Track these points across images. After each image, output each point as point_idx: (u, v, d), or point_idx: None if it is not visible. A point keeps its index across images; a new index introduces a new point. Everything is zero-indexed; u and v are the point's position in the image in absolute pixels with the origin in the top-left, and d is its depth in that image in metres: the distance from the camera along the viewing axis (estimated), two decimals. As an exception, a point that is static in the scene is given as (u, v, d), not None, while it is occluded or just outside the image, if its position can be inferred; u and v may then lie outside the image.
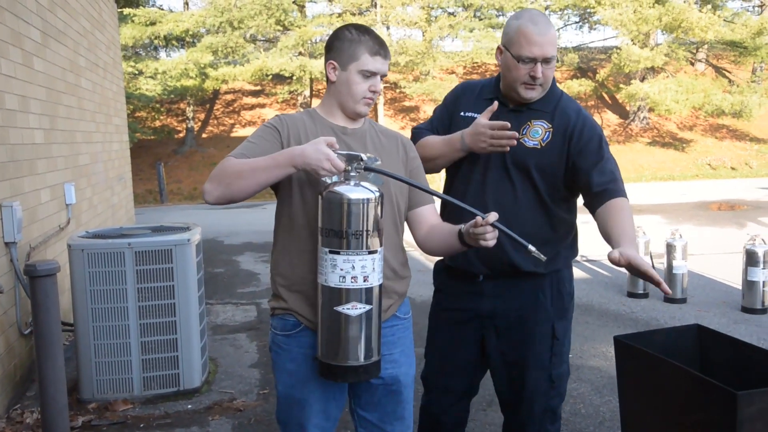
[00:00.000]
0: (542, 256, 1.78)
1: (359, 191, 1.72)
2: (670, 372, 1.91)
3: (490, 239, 1.77)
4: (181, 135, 22.74)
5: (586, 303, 5.83)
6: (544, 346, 2.32)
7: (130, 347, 3.69)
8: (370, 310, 1.76)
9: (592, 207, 2.18)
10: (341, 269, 1.72)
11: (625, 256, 1.83)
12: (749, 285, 5.41)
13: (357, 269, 1.72)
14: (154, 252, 3.68)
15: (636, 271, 1.85)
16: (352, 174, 1.74)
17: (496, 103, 2.20)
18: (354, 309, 1.74)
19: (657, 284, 1.83)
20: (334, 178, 1.76)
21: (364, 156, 1.75)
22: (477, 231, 1.76)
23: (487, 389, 2.75)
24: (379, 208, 1.75)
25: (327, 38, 2.02)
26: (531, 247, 1.77)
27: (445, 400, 2.46)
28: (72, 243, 3.66)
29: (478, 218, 1.76)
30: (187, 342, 3.79)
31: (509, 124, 2.12)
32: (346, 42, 1.93)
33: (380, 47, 1.93)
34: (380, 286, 1.79)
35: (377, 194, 1.74)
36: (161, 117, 23.19)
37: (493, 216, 1.74)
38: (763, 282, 5.35)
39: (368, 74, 1.92)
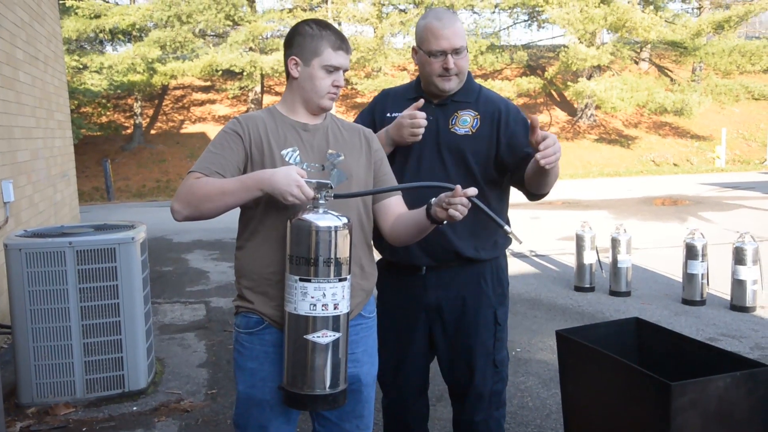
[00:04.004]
0: (519, 239, 1.84)
1: (328, 219, 1.72)
2: (609, 364, 1.96)
3: (461, 211, 1.76)
4: (128, 131, 22.22)
5: (534, 297, 5.94)
6: (488, 332, 2.39)
7: (71, 349, 3.59)
8: (338, 338, 1.75)
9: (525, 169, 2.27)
10: (312, 297, 1.70)
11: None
12: (689, 278, 5.59)
13: (328, 297, 1.71)
14: (96, 251, 3.59)
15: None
16: (320, 202, 1.74)
17: (421, 101, 2.30)
18: (324, 337, 1.72)
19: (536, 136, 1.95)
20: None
21: (333, 183, 1.76)
22: (454, 200, 1.75)
23: (435, 384, 2.77)
24: (348, 235, 1.75)
25: (285, 34, 2.01)
26: (507, 228, 1.81)
27: (404, 399, 2.50)
28: (9, 242, 3.54)
29: (458, 188, 1.74)
30: (132, 342, 3.70)
31: (420, 103, 2.27)
32: (307, 37, 1.91)
33: (342, 42, 1.93)
34: (348, 313, 1.79)
35: (345, 221, 1.75)
36: (108, 113, 22.59)
37: (472, 190, 1.75)
38: (702, 275, 5.54)
39: (331, 69, 1.92)
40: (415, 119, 2.24)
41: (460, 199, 1.74)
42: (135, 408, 3.63)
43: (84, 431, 3.37)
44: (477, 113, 2.34)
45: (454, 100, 2.35)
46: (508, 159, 2.30)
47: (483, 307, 2.38)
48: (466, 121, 2.33)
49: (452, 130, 2.32)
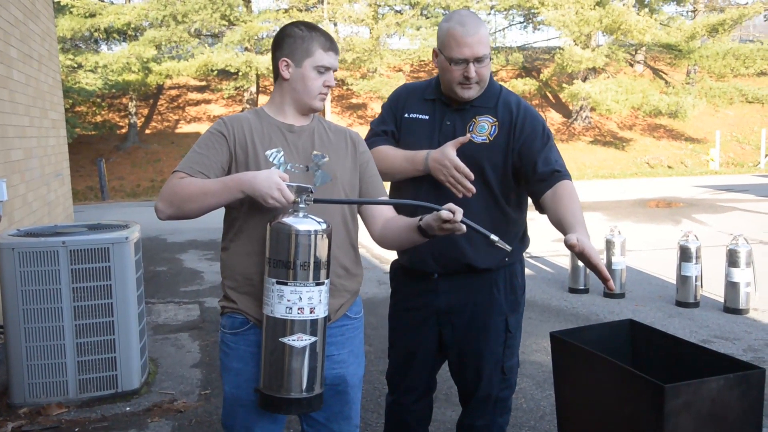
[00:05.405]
0: (507, 246, 1.82)
1: (307, 223, 1.71)
2: (602, 366, 1.96)
3: (459, 228, 1.79)
4: (123, 131, 22.16)
5: (529, 299, 5.86)
6: (498, 339, 2.37)
7: (64, 349, 3.58)
8: (315, 342, 1.75)
9: (538, 192, 2.23)
10: (288, 300, 1.70)
11: (581, 243, 1.88)
12: (683, 280, 5.60)
13: (304, 300, 1.71)
14: (90, 250, 3.57)
15: (587, 262, 1.90)
16: (301, 206, 1.74)
17: (468, 137, 2.22)
18: (299, 341, 1.72)
19: (604, 280, 1.88)
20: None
21: (314, 188, 1.76)
22: (454, 227, 1.78)
23: (437, 387, 2.77)
24: (326, 239, 1.75)
25: (274, 36, 2.01)
26: (493, 237, 1.80)
27: (408, 399, 2.49)
28: (2, 241, 3.52)
29: (443, 213, 1.76)
30: (125, 342, 3.69)
31: (473, 176, 2.16)
32: (298, 39, 1.92)
33: (331, 43, 1.95)
34: (325, 318, 1.78)
35: (325, 226, 1.74)
36: (102, 112, 22.55)
37: (460, 213, 1.76)
38: (696, 277, 5.55)
39: (323, 70, 1.93)
40: (457, 180, 2.15)
41: (458, 225, 1.77)
42: (128, 408, 3.62)
43: (76, 431, 3.35)
44: (496, 120, 2.27)
45: (474, 105, 2.29)
46: (517, 164, 2.27)
47: (494, 314, 2.35)
48: (483, 128, 2.26)
49: (469, 137, 2.24)
